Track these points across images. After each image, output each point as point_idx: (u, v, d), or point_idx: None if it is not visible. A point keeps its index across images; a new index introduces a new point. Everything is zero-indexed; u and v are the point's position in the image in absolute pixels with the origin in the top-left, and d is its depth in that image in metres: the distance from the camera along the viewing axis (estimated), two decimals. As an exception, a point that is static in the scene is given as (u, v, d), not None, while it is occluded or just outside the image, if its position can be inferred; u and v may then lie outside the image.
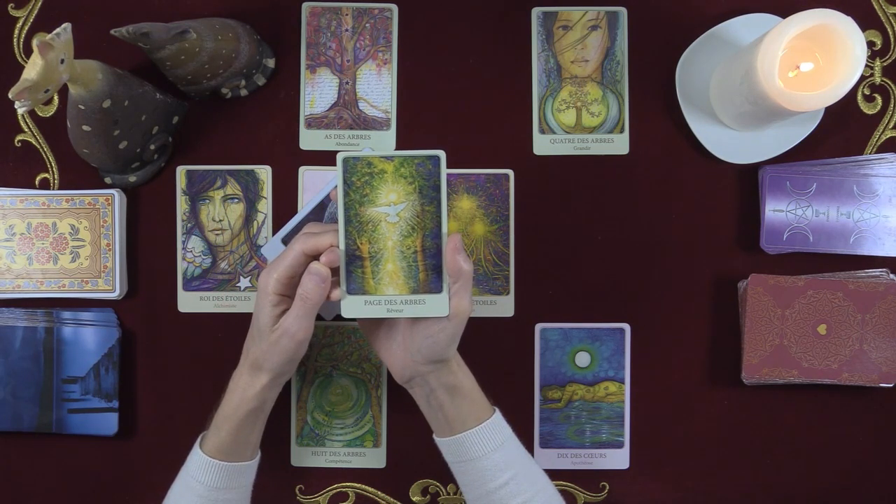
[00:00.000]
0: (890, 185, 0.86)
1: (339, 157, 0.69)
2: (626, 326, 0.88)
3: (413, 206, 0.69)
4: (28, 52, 0.88)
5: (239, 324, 0.84)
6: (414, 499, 0.88)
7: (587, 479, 0.88)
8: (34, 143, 0.88)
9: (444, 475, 0.80)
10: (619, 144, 0.88)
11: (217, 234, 0.88)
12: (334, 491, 0.88)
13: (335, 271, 0.70)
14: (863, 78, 0.88)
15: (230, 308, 0.88)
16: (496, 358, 0.87)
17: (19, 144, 0.88)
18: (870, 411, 0.88)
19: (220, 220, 0.88)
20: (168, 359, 0.88)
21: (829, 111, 0.86)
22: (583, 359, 0.88)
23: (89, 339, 0.86)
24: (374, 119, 0.88)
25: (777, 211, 0.86)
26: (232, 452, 0.75)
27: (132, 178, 0.86)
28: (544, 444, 0.88)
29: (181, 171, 0.88)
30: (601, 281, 0.88)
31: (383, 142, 0.88)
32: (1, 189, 0.87)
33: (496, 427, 0.75)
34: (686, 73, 0.87)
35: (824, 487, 0.88)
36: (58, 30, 0.66)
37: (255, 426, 0.76)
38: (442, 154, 0.69)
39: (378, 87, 0.88)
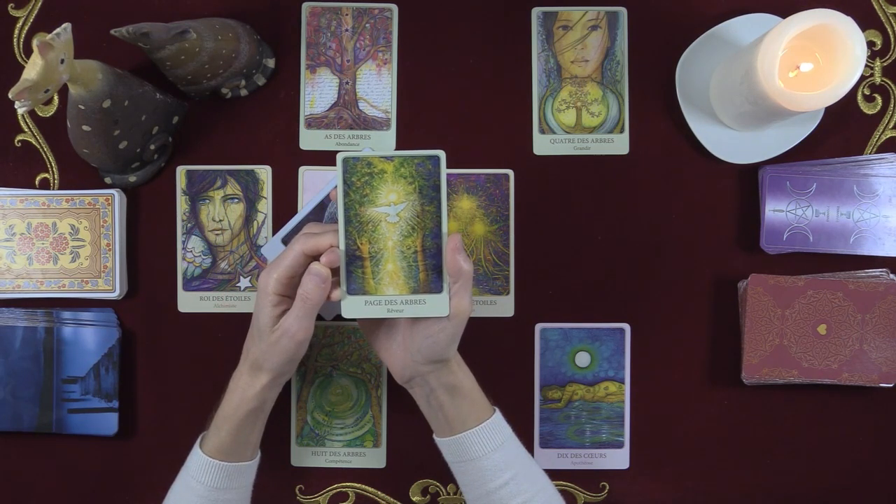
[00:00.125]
0: (890, 185, 0.86)
1: (339, 157, 0.69)
2: (626, 326, 0.88)
3: (413, 206, 0.69)
4: (28, 52, 0.88)
5: (239, 324, 0.84)
6: (414, 499, 0.88)
7: (587, 479, 0.88)
8: (34, 143, 0.88)
9: (444, 475, 0.80)
10: (619, 144, 0.88)
11: (217, 234, 0.88)
12: (334, 491, 0.88)
13: (335, 271, 0.70)
14: (863, 78, 0.88)
15: (230, 308, 0.88)
16: (496, 358, 0.87)
17: (19, 144, 0.88)
18: (870, 411, 0.88)
19: (220, 220, 0.88)
20: (168, 359, 0.88)
21: (829, 111, 0.86)
22: (583, 359, 0.88)
23: (89, 339, 0.86)
24: (374, 119, 0.88)
25: (777, 211, 0.86)
26: (232, 452, 0.75)
27: (132, 178, 0.86)
28: (544, 444, 0.88)
29: (181, 171, 0.88)
30: (601, 281, 0.88)
31: (383, 142, 0.88)
32: (1, 189, 0.87)
33: (496, 427, 0.75)
34: (686, 73, 0.87)
35: (824, 487, 0.88)
36: (58, 30, 0.66)
37: (255, 426, 0.76)
38: (442, 154, 0.69)
39: (378, 87, 0.88)
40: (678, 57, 0.87)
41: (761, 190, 0.87)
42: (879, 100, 0.88)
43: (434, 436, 0.77)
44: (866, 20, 0.87)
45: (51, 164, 0.88)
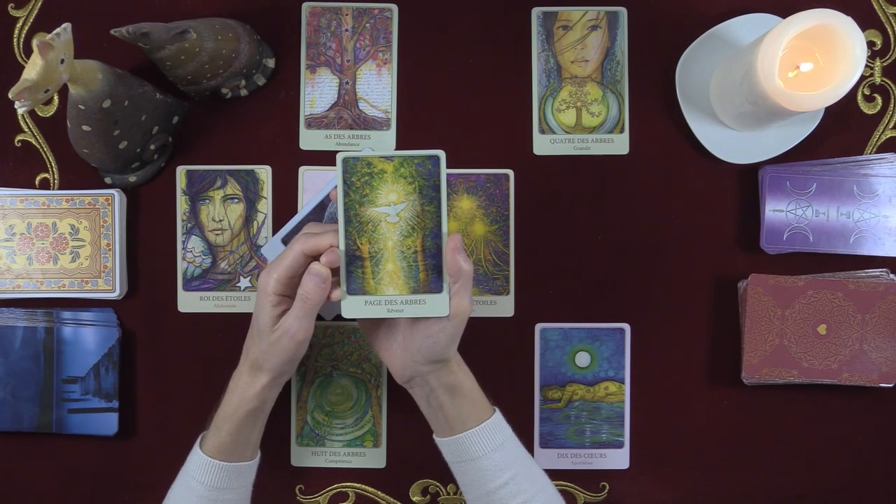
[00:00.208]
0: (890, 185, 0.86)
1: (339, 157, 0.69)
2: (626, 326, 0.88)
3: (413, 206, 0.69)
4: (28, 52, 0.88)
5: (239, 324, 0.84)
6: (414, 499, 0.88)
7: (587, 479, 0.88)
8: (34, 143, 0.88)
9: (444, 475, 0.80)
10: (619, 144, 0.88)
11: (217, 234, 0.88)
12: (334, 491, 0.88)
13: (335, 272, 0.70)
14: (863, 78, 0.88)
15: (230, 308, 0.88)
16: (496, 358, 0.87)
17: (19, 144, 0.88)
18: (870, 411, 0.88)
19: (220, 220, 0.88)
20: (168, 359, 0.88)
21: (829, 111, 0.86)
22: (583, 359, 0.88)
23: (89, 339, 0.86)
24: (374, 119, 0.88)
25: (777, 211, 0.86)
26: (232, 452, 0.75)
27: (132, 178, 0.86)
28: (544, 444, 0.88)
29: (181, 171, 0.88)
30: (601, 281, 0.88)
31: (383, 142, 0.88)
32: (1, 189, 0.87)
33: (496, 427, 0.75)
34: (686, 73, 0.87)
35: (824, 487, 0.88)
36: (58, 30, 0.66)
37: (255, 426, 0.76)
38: (442, 154, 0.69)
39: (378, 87, 0.88)
40: (678, 57, 0.87)
41: (761, 190, 0.87)
42: (879, 100, 0.88)
43: (434, 436, 0.77)
44: (866, 20, 0.87)
45: (51, 164, 0.88)
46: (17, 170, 0.88)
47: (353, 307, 0.71)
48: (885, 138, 0.88)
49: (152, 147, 0.84)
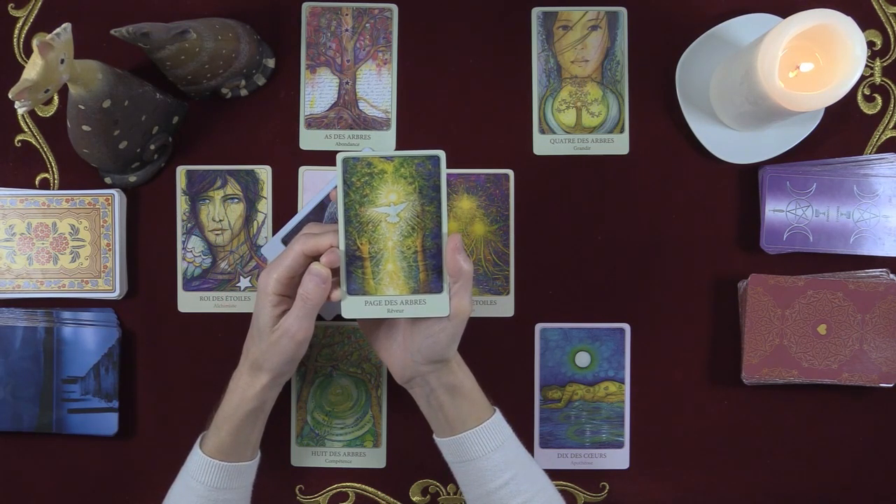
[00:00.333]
0: (890, 185, 0.86)
1: (339, 158, 0.69)
2: (626, 326, 0.88)
3: (413, 206, 0.69)
4: (28, 52, 0.88)
5: (239, 324, 0.84)
6: (414, 499, 0.88)
7: (587, 479, 0.88)
8: (34, 143, 0.88)
9: (444, 475, 0.80)
10: (619, 144, 0.88)
11: (217, 234, 0.88)
12: (334, 491, 0.88)
13: (335, 272, 0.70)
14: (863, 78, 0.88)
15: (230, 308, 0.88)
16: (496, 358, 0.87)
17: (19, 144, 0.88)
18: (870, 411, 0.88)
19: (220, 220, 0.88)
20: (168, 359, 0.88)
21: (829, 111, 0.86)
22: (583, 359, 0.88)
23: (89, 339, 0.86)
24: (374, 119, 0.88)
25: (777, 211, 0.86)
26: (232, 452, 0.75)
27: (132, 178, 0.86)
28: (544, 444, 0.88)
29: (181, 171, 0.88)
30: (601, 281, 0.88)
31: (383, 142, 0.88)
32: (1, 189, 0.87)
33: (496, 427, 0.75)
34: (686, 73, 0.87)
35: (824, 487, 0.88)
36: (58, 30, 0.66)
37: (255, 426, 0.76)
38: (442, 154, 0.69)
39: (378, 87, 0.88)
40: (678, 57, 0.87)
41: (761, 190, 0.87)
42: (879, 100, 0.88)
43: (434, 436, 0.77)
44: (866, 20, 0.87)
45: (51, 164, 0.88)
46: (17, 170, 0.88)
47: (353, 307, 0.71)
48: (885, 138, 0.88)
49: (152, 147, 0.84)
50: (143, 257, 0.88)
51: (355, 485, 0.88)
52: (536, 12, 0.88)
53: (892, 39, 0.88)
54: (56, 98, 0.88)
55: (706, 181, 0.88)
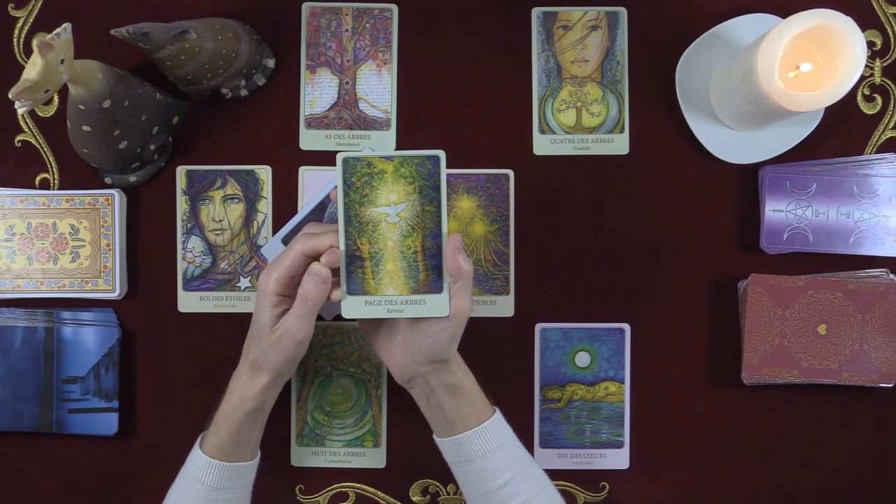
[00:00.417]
0: (890, 185, 0.86)
1: (339, 158, 0.69)
2: (626, 326, 0.88)
3: (413, 206, 0.69)
4: (28, 52, 0.88)
5: (239, 324, 0.84)
6: (414, 499, 0.88)
7: (587, 479, 0.88)
8: (34, 143, 0.88)
9: (444, 475, 0.80)
10: (619, 144, 0.88)
11: (217, 234, 0.88)
12: (334, 491, 0.88)
13: (335, 272, 0.70)
14: (863, 78, 0.88)
15: (230, 308, 0.88)
16: (496, 358, 0.87)
17: (19, 144, 0.88)
18: (870, 411, 0.88)
19: (220, 220, 0.88)
20: (168, 359, 0.88)
21: (829, 111, 0.86)
22: (583, 359, 0.88)
23: (89, 339, 0.86)
24: (374, 119, 0.88)
25: (777, 211, 0.86)
26: (232, 452, 0.75)
27: (132, 178, 0.86)
28: (544, 444, 0.88)
29: (181, 171, 0.88)
30: (601, 281, 0.88)
31: (383, 142, 0.88)
32: (1, 189, 0.87)
33: (496, 427, 0.75)
34: (686, 73, 0.87)
35: (824, 487, 0.88)
36: (58, 30, 0.66)
37: (255, 426, 0.76)
38: (442, 154, 0.69)
39: (378, 87, 0.88)
40: (678, 57, 0.87)
41: (761, 190, 0.87)
42: (879, 100, 0.88)
43: (434, 436, 0.77)
44: (866, 20, 0.87)
45: (51, 164, 0.88)
46: (17, 170, 0.88)
47: (353, 307, 0.71)
48: (885, 138, 0.88)
49: (152, 147, 0.84)
50: (143, 257, 0.88)
51: (355, 485, 0.88)
52: (536, 12, 0.88)
53: (892, 39, 0.88)
54: (56, 98, 0.88)
55: (706, 181, 0.88)
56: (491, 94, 0.88)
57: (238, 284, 0.88)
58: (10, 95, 0.65)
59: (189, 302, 0.88)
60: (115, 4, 0.88)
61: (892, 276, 0.86)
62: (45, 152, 0.88)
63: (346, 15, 0.88)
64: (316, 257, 0.70)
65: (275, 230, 0.87)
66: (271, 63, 0.87)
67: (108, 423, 0.86)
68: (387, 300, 0.70)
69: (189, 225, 0.88)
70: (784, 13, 0.80)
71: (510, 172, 0.88)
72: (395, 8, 0.88)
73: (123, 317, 0.87)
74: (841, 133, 0.88)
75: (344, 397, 0.88)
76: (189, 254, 0.88)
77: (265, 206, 0.88)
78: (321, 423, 0.88)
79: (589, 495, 0.88)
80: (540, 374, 0.88)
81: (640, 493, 0.88)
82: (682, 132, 0.88)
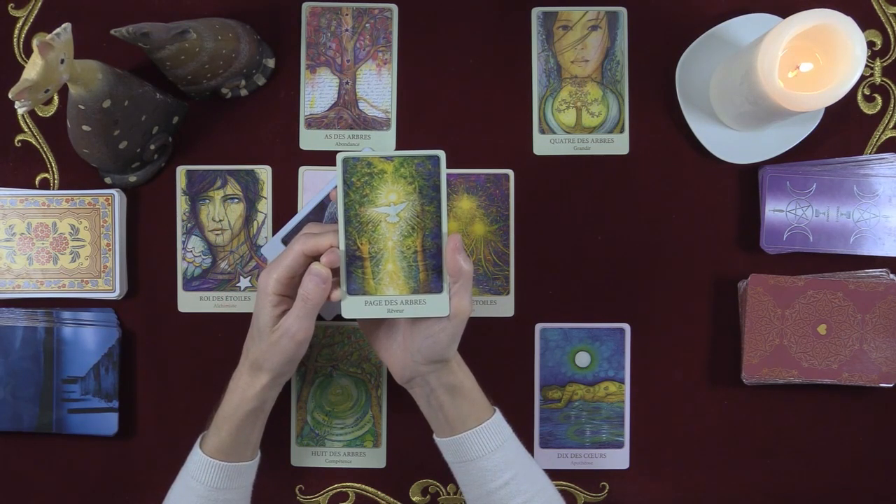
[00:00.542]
0: (890, 185, 0.86)
1: (339, 158, 0.69)
2: (626, 326, 0.88)
3: (413, 206, 0.69)
4: (28, 52, 0.88)
5: (239, 324, 0.84)
6: (414, 499, 0.88)
7: (587, 479, 0.88)
8: (34, 143, 0.88)
9: (444, 475, 0.80)
10: (619, 144, 0.88)
11: (217, 234, 0.88)
12: (334, 491, 0.88)
13: (335, 272, 0.70)
14: (863, 78, 0.88)
15: (230, 308, 0.88)
16: (496, 358, 0.87)
17: (19, 144, 0.88)
18: (870, 411, 0.88)
19: (220, 220, 0.88)
20: (168, 359, 0.88)
21: (829, 111, 0.86)
22: (583, 359, 0.88)
23: (89, 339, 0.86)
24: (374, 119, 0.88)
25: (777, 211, 0.86)
26: (232, 452, 0.75)
27: (132, 178, 0.86)
28: (544, 444, 0.88)
29: (181, 171, 0.88)
30: (601, 281, 0.88)
31: (383, 142, 0.88)
32: (1, 189, 0.87)
33: (496, 427, 0.75)
34: (686, 73, 0.87)
35: (824, 487, 0.88)
36: (58, 30, 0.66)
37: (255, 426, 0.76)
38: (442, 154, 0.69)
39: (378, 87, 0.88)
40: (678, 57, 0.87)
41: (761, 190, 0.87)
42: (879, 100, 0.88)
43: (434, 436, 0.77)
44: (866, 20, 0.87)
45: (51, 164, 0.88)
46: (17, 170, 0.88)
47: (353, 307, 0.71)
48: (885, 138, 0.88)
49: (152, 147, 0.84)
50: (143, 257, 0.88)
51: (355, 485, 0.88)
52: (536, 12, 0.88)
53: (892, 39, 0.88)
54: (56, 98, 0.88)
55: (706, 181, 0.88)
56: (491, 94, 0.88)
57: (238, 284, 0.88)
58: (10, 95, 0.65)
59: (189, 302, 0.88)
60: (115, 4, 0.88)
61: (892, 276, 0.86)
62: (45, 152, 0.88)
63: (346, 15, 0.88)
64: (316, 257, 0.70)
65: (275, 230, 0.87)
66: (271, 63, 0.87)
67: (108, 423, 0.86)
68: (387, 300, 0.70)
69: (189, 225, 0.88)
70: (784, 13, 0.80)
71: (510, 172, 0.88)
72: (395, 8, 0.88)
73: (123, 317, 0.87)
74: (841, 133, 0.88)
75: (344, 397, 0.88)
76: (189, 254, 0.88)
77: (265, 206, 0.88)
78: (321, 423, 0.88)
79: (589, 495, 0.88)
80: (540, 374, 0.88)
81: (640, 493, 0.88)
82: (682, 132, 0.88)
